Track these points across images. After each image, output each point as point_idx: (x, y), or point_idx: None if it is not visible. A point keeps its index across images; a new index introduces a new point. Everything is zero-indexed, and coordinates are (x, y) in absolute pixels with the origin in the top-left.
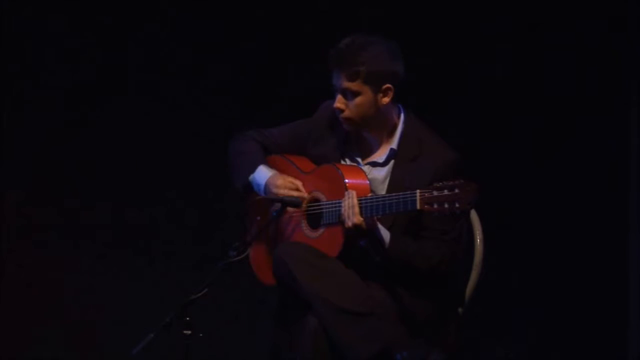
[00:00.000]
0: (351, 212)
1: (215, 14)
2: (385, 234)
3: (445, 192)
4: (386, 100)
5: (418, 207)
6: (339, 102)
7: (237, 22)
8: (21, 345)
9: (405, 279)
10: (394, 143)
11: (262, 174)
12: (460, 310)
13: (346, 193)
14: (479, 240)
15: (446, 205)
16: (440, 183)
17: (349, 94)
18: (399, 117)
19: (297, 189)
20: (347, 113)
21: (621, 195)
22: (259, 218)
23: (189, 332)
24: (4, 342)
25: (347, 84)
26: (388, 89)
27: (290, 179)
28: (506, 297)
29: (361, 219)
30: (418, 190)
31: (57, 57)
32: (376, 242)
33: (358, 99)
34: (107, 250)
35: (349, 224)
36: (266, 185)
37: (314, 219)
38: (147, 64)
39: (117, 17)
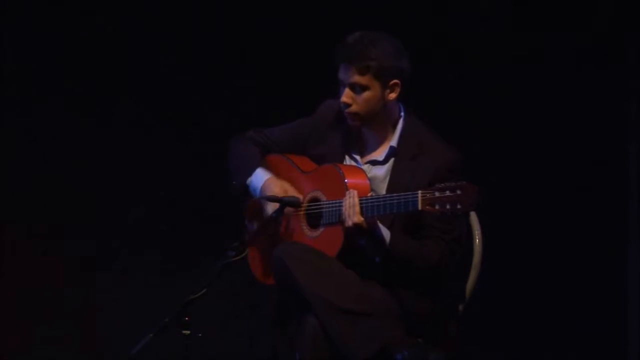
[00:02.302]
0: (352, 211)
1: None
2: (386, 233)
3: (447, 193)
4: (393, 95)
5: (420, 208)
6: (347, 96)
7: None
8: (20, 346)
9: (405, 278)
10: (393, 141)
11: (259, 177)
12: (459, 309)
13: (347, 193)
14: (477, 240)
15: (448, 207)
16: (442, 184)
17: (358, 88)
18: (399, 115)
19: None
20: (354, 108)
21: (621, 196)
22: (254, 221)
23: (188, 332)
24: (4, 343)
25: (357, 78)
26: (395, 84)
27: (286, 185)
28: (505, 297)
29: (362, 218)
30: (420, 191)
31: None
32: (376, 242)
33: (366, 94)
34: (106, 250)
35: (349, 223)
36: (262, 190)
37: (314, 219)
38: (143, 66)
39: (115, 22)
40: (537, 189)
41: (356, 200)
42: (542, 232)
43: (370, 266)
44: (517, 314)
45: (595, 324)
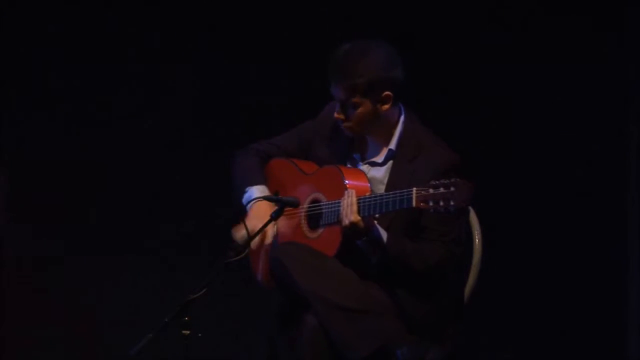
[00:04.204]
0: (349, 210)
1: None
2: (383, 234)
3: (441, 189)
4: (386, 107)
5: (414, 204)
6: (339, 113)
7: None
8: (20, 346)
9: (403, 279)
10: (392, 144)
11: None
12: (458, 309)
13: (345, 192)
14: (477, 240)
15: (441, 203)
16: (437, 181)
17: (349, 107)
18: (399, 118)
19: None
20: (347, 123)
21: (620, 196)
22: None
23: (188, 332)
24: (4, 343)
25: (345, 98)
26: (387, 96)
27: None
28: (505, 297)
29: (359, 217)
30: (414, 188)
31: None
32: (373, 242)
33: (358, 111)
34: (106, 250)
35: (346, 222)
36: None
37: (314, 220)
38: (146, 72)
39: (118, 25)
40: (537, 188)
41: (354, 199)
42: (542, 232)
43: (368, 266)
44: (517, 313)
45: (594, 324)
